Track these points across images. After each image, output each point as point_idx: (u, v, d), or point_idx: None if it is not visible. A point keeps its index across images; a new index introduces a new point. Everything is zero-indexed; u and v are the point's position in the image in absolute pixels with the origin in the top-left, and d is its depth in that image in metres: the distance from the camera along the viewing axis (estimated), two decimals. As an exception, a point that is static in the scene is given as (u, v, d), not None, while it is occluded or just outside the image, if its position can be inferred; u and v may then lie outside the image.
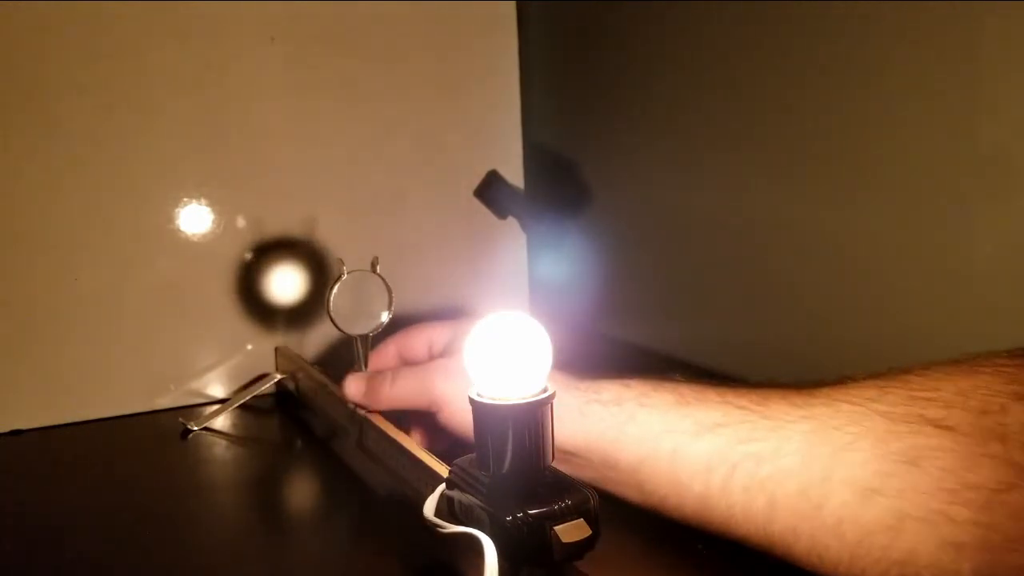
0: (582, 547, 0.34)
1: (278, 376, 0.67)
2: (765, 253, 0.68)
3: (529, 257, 0.84)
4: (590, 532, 0.34)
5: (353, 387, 0.52)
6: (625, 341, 0.83)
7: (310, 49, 0.72)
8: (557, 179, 0.89)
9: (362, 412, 0.52)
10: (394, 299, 0.55)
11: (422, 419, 0.51)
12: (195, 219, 0.69)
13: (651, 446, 0.41)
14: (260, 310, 0.72)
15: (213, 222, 0.70)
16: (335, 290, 0.53)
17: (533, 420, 0.35)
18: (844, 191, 0.61)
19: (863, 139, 0.59)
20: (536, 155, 0.85)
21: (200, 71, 0.69)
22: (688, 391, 0.42)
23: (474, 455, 0.37)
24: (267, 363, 0.72)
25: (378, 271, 0.54)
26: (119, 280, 0.67)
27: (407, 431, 0.51)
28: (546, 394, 0.35)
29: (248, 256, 0.71)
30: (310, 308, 0.73)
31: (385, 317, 0.55)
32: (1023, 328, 0.50)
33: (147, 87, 0.67)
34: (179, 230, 0.69)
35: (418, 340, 0.55)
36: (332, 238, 0.73)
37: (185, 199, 0.69)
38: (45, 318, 0.66)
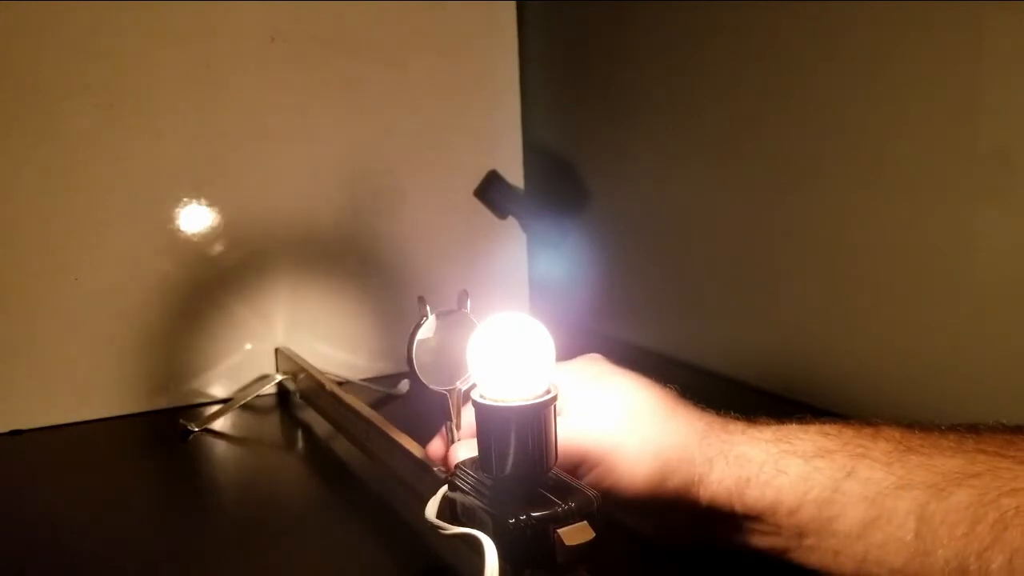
0: (585, 550, 0.34)
1: (279, 377, 0.67)
2: (765, 253, 0.68)
3: (529, 257, 0.84)
4: (593, 535, 0.34)
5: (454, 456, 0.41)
6: (625, 341, 0.83)
7: (310, 49, 0.72)
8: (557, 179, 0.89)
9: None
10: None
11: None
12: (195, 219, 0.69)
13: (881, 505, 0.33)
14: (260, 310, 0.72)
15: (213, 222, 0.70)
16: (419, 337, 0.41)
17: (536, 422, 0.35)
18: (844, 191, 0.61)
19: (863, 139, 0.59)
20: (536, 155, 0.85)
21: (200, 71, 0.68)
22: (913, 437, 0.35)
23: (476, 457, 0.37)
24: (267, 363, 0.72)
25: (468, 308, 0.42)
26: (119, 280, 0.67)
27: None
28: (549, 395, 0.35)
29: (248, 256, 0.71)
30: (310, 308, 0.73)
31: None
32: (1023, 328, 0.51)
33: (148, 87, 0.67)
34: (179, 230, 0.69)
35: None
36: (332, 238, 0.73)
37: (185, 199, 0.69)
38: (45, 318, 0.66)
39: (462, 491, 0.37)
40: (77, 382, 0.67)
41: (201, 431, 0.63)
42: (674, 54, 0.74)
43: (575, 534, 0.33)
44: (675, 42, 0.74)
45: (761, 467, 0.36)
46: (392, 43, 0.75)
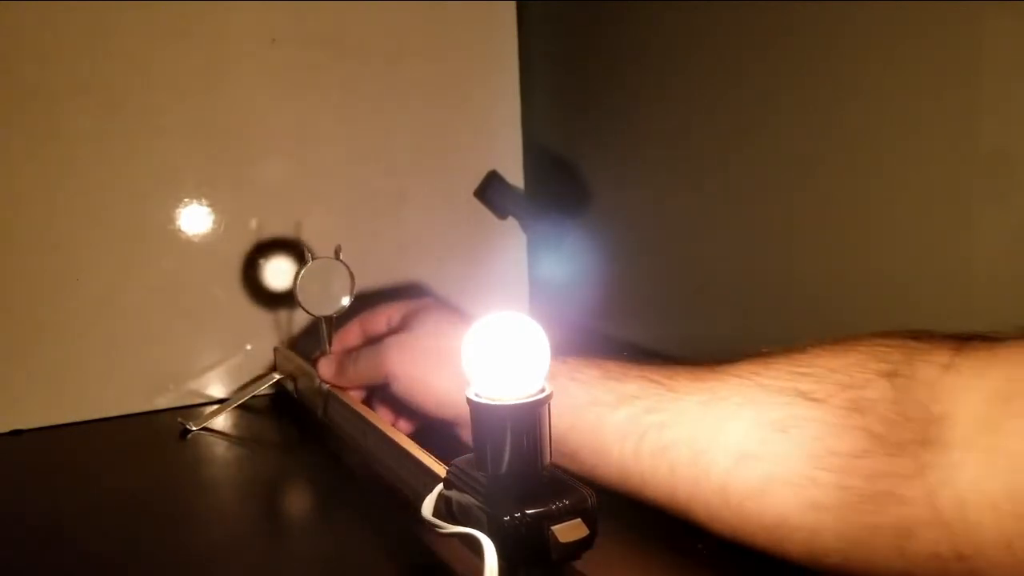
0: (580, 547, 0.34)
1: (277, 376, 0.67)
2: (765, 253, 0.68)
3: (529, 257, 0.84)
4: (587, 532, 0.34)
5: (324, 368, 0.58)
6: (625, 341, 0.83)
7: (311, 50, 0.72)
8: (557, 179, 0.89)
9: (331, 389, 0.57)
10: (356, 283, 0.60)
11: (389, 394, 0.54)
12: (195, 219, 0.69)
13: (578, 417, 0.44)
14: (260, 310, 0.72)
15: (213, 222, 0.70)
16: (302, 275, 0.58)
17: (531, 420, 0.35)
18: (844, 192, 0.61)
19: (863, 140, 0.59)
20: (536, 155, 0.85)
21: (201, 72, 0.69)
22: (613, 366, 0.45)
23: (472, 455, 0.37)
24: (267, 363, 0.72)
25: (341, 258, 0.59)
26: (120, 280, 0.68)
27: (370, 405, 0.56)
28: (543, 394, 0.35)
29: (248, 256, 0.71)
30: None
31: (346, 300, 0.60)
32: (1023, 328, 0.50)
33: (148, 88, 0.67)
34: (180, 230, 0.69)
35: (378, 317, 0.59)
36: (332, 238, 0.73)
37: (186, 199, 0.69)
38: (46, 318, 0.66)
39: (458, 489, 0.37)
40: (77, 382, 0.67)
41: (200, 430, 0.63)
42: (674, 53, 0.74)
43: (569, 531, 0.34)
44: (675, 41, 0.74)
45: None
46: (392, 43, 0.75)
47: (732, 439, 0.38)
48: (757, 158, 0.68)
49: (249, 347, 0.72)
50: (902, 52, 0.55)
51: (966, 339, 0.35)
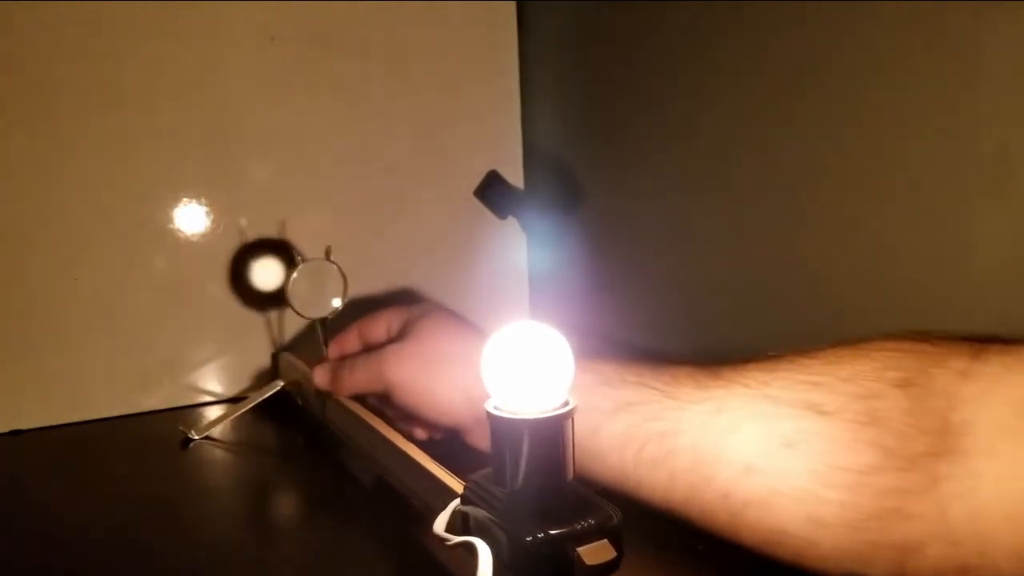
0: (606, 569, 0.32)
1: (281, 384, 0.66)
2: (765, 254, 0.68)
3: (529, 257, 0.84)
4: (615, 554, 0.33)
5: (320, 375, 0.57)
6: (625, 341, 0.83)
7: (310, 49, 0.72)
8: (557, 179, 0.89)
9: (331, 397, 0.56)
10: (348, 286, 0.59)
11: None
12: (195, 219, 0.69)
13: (576, 423, 0.43)
14: (260, 310, 0.72)
15: (213, 222, 0.70)
16: (293, 277, 0.58)
17: (554, 435, 0.33)
18: (844, 192, 0.61)
19: (863, 140, 0.59)
20: (536, 155, 0.85)
21: (200, 71, 0.68)
22: (611, 372, 0.45)
23: (490, 470, 0.35)
24: (266, 362, 0.72)
25: (332, 259, 0.59)
26: (119, 280, 0.67)
27: (377, 411, 0.55)
28: (567, 407, 0.34)
29: (248, 256, 0.71)
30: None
31: (338, 302, 0.60)
32: (1023, 328, 0.50)
33: (147, 87, 0.67)
34: (179, 230, 0.69)
35: (378, 323, 0.58)
36: (331, 238, 0.73)
37: (185, 199, 0.69)
38: (45, 318, 0.66)
39: (475, 504, 0.36)
40: (77, 382, 0.67)
41: (202, 439, 0.62)
42: (674, 53, 0.74)
43: (596, 553, 0.32)
44: (676, 41, 0.74)
45: None
46: (392, 43, 0.75)
47: (737, 452, 0.38)
48: (757, 158, 0.68)
49: (249, 348, 0.72)
50: (902, 52, 0.55)
51: (983, 343, 0.35)
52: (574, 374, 0.44)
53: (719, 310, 0.74)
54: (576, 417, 0.42)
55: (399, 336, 0.55)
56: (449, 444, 0.54)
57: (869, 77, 0.58)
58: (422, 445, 0.48)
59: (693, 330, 0.77)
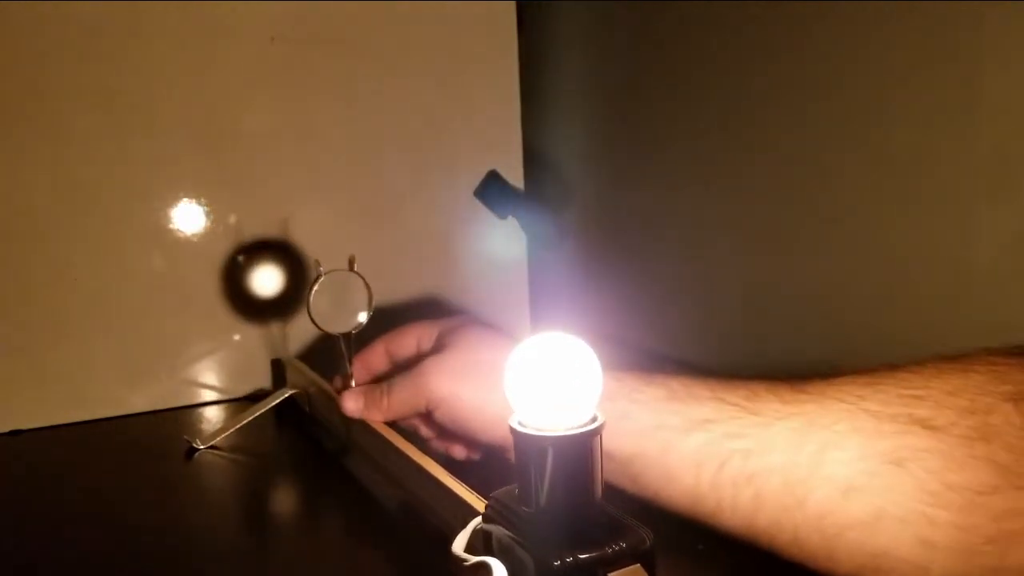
0: None
1: (289, 392, 0.64)
2: (766, 253, 0.68)
3: (529, 257, 0.84)
4: None
5: (352, 404, 0.52)
6: (625, 341, 0.83)
7: (309, 49, 0.72)
8: (557, 179, 0.89)
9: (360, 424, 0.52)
10: (373, 297, 0.55)
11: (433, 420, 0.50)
12: (194, 219, 0.69)
13: (643, 442, 0.41)
14: (259, 310, 0.72)
15: (212, 222, 0.70)
16: (315, 290, 0.53)
17: (582, 453, 0.31)
18: (844, 192, 0.61)
19: (863, 140, 0.59)
20: (536, 155, 0.85)
21: (200, 71, 0.68)
22: (679, 386, 0.42)
23: (514, 487, 0.34)
24: (268, 363, 0.72)
25: (356, 269, 0.53)
26: (119, 280, 0.67)
27: (406, 432, 0.51)
28: (597, 423, 0.32)
29: (247, 256, 0.71)
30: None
31: (364, 316, 0.55)
32: (1023, 328, 0.50)
33: (146, 86, 0.67)
34: (179, 230, 0.69)
35: (407, 338, 0.54)
36: (331, 238, 0.73)
37: (185, 199, 0.69)
38: (44, 319, 0.66)
39: (498, 524, 0.33)
40: (77, 382, 0.67)
41: (207, 448, 0.60)
42: (674, 53, 0.74)
43: None
44: (676, 41, 0.74)
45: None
46: (392, 43, 0.75)
47: (836, 470, 0.35)
48: (758, 159, 0.68)
49: (249, 348, 0.72)
50: (902, 52, 0.55)
51: None
52: (636, 388, 0.42)
53: (719, 310, 0.74)
54: (645, 437, 0.40)
55: (435, 349, 0.51)
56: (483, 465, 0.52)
57: (867, 77, 0.58)
58: (449, 465, 0.46)
59: (693, 329, 0.77)
